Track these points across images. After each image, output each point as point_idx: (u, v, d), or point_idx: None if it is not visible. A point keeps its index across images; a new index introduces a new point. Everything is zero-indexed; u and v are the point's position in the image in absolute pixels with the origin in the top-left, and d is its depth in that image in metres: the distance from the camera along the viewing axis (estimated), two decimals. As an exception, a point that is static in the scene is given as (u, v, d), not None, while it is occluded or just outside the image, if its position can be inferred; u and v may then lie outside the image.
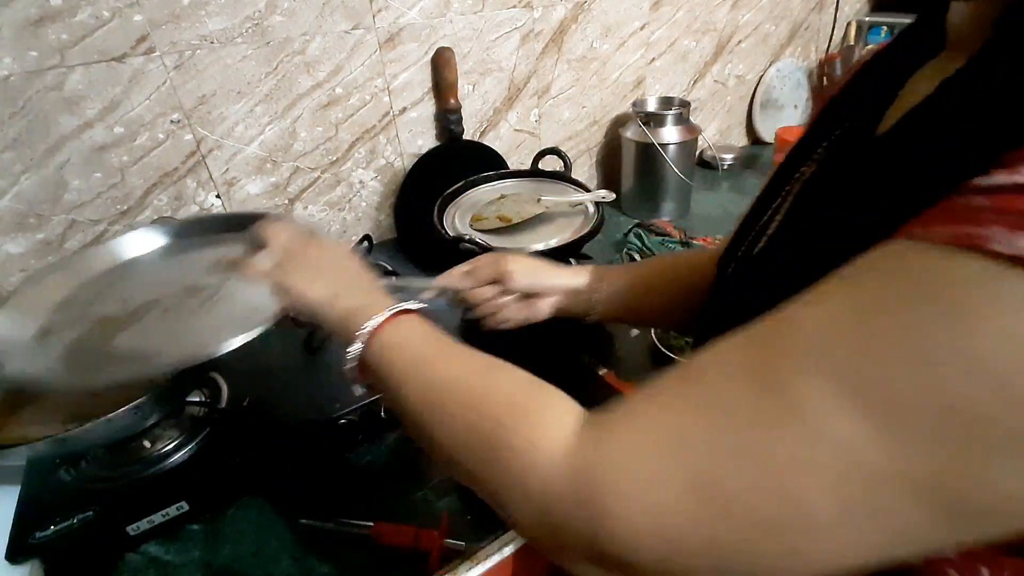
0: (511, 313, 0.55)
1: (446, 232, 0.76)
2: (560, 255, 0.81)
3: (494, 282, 0.56)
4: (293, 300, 0.46)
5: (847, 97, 0.41)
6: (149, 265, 0.62)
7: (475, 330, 0.76)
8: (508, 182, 0.91)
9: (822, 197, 0.35)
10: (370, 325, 0.40)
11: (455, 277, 0.56)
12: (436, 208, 0.80)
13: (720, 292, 0.45)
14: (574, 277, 0.58)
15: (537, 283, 0.56)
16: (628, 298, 0.58)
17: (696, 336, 0.49)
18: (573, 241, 0.76)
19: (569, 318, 0.79)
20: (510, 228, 0.77)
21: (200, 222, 0.68)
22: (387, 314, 0.41)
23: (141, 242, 0.63)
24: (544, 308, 0.56)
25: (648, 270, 0.62)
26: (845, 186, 0.32)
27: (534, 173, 0.92)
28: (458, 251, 0.76)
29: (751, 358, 0.25)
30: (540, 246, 0.75)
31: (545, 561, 0.67)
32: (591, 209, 0.81)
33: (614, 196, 0.81)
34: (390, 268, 0.89)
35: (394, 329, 0.41)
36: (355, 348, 0.40)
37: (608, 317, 0.58)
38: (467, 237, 0.74)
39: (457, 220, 0.81)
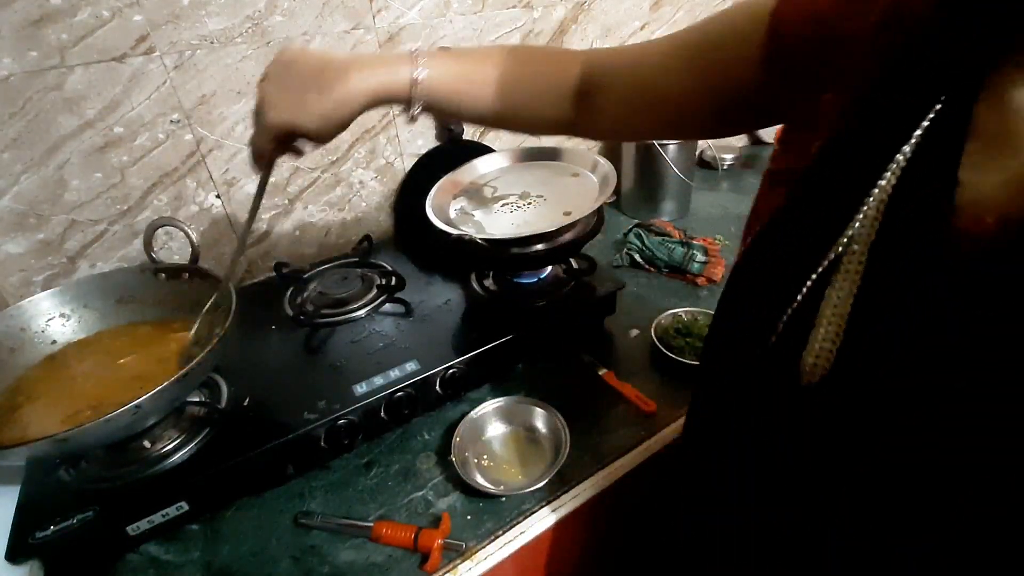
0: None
1: (443, 230, 0.76)
2: (560, 255, 0.81)
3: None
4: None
5: (880, 111, 0.32)
6: None
7: (480, 316, 0.76)
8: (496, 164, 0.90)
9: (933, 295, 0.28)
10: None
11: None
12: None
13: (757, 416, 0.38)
14: (381, 73, 0.52)
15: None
16: (456, 76, 0.52)
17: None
18: (573, 241, 0.76)
19: (561, 313, 0.79)
20: (516, 217, 0.77)
21: None
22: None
23: None
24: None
25: (485, 52, 0.55)
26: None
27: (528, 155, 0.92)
28: (458, 250, 0.77)
29: None
30: (542, 246, 0.75)
31: (545, 561, 0.67)
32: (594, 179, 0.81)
33: (614, 196, 0.81)
34: (390, 268, 0.89)
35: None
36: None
37: (434, 103, 0.52)
38: (467, 236, 0.74)
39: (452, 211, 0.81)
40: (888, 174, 0.30)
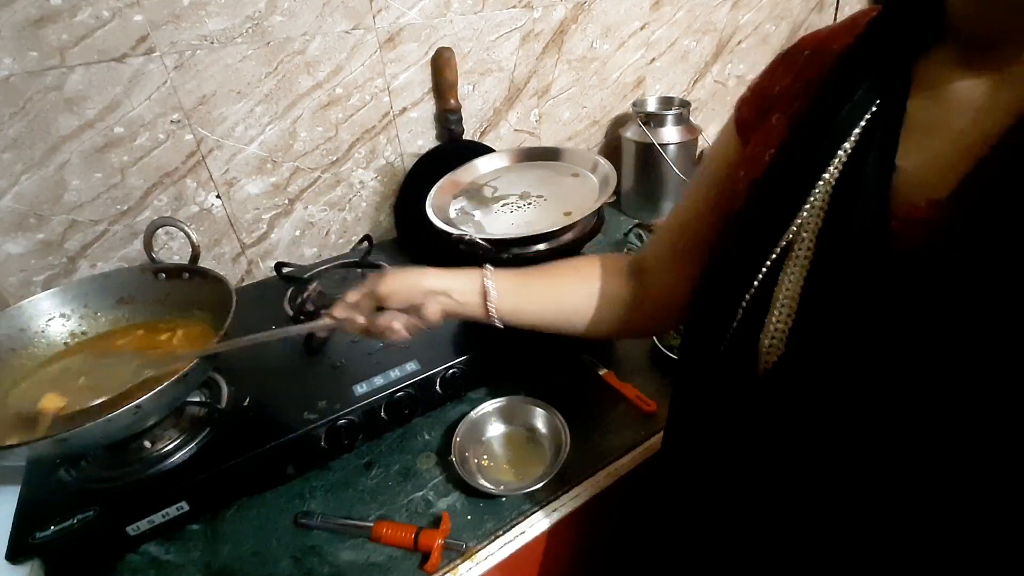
0: (402, 325, 0.53)
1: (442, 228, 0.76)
2: (560, 255, 0.81)
3: (379, 308, 0.54)
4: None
5: (821, 114, 0.35)
6: None
7: (479, 328, 0.76)
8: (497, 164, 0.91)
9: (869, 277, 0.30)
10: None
11: (340, 320, 0.54)
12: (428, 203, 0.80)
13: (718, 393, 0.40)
14: (451, 278, 0.56)
15: (412, 294, 0.53)
16: (518, 297, 0.55)
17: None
18: (573, 241, 0.76)
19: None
20: (516, 216, 0.77)
21: None
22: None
23: None
24: (431, 314, 0.53)
25: (536, 270, 0.60)
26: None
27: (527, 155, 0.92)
28: (458, 250, 0.76)
29: None
30: (542, 246, 0.75)
31: (545, 562, 0.67)
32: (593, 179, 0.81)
33: (614, 196, 0.81)
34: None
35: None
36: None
37: (509, 320, 0.55)
38: (467, 237, 0.74)
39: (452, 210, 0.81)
40: (831, 167, 0.33)
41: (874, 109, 0.33)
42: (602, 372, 0.77)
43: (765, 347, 0.35)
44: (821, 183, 0.34)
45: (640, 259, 0.56)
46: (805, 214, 0.34)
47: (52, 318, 0.68)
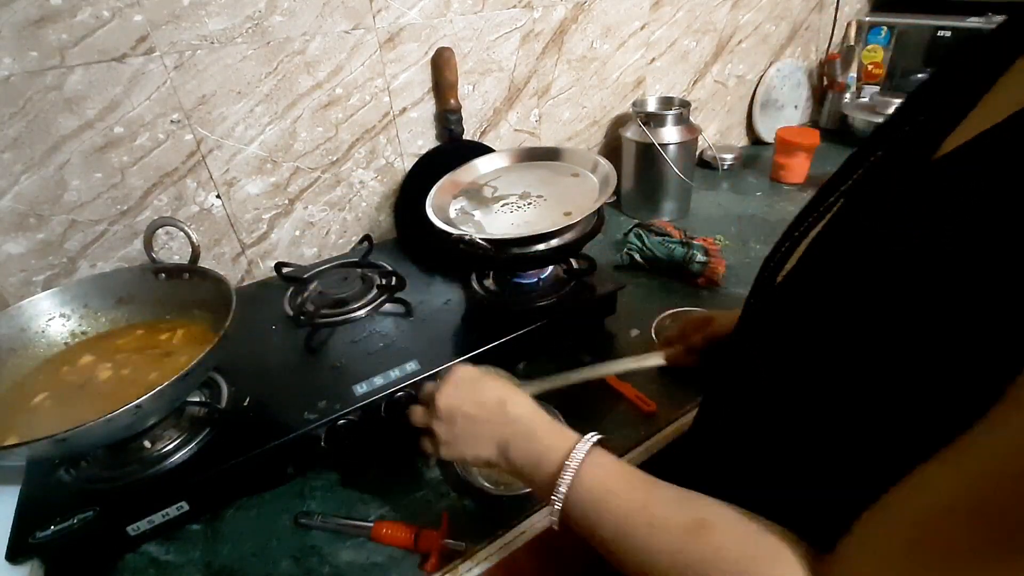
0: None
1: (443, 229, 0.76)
2: (560, 255, 0.81)
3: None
4: (470, 463, 0.53)
5: (901, 114, 0.38)
6: None
7: (480, 316, 0.76)
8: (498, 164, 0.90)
9: (853, 226, 0.33)
10: (563, 485, 0.40)
11: (673, 354, 0.63)
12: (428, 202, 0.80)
13: (744, 323, 0.44)
14: None
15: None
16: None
17: (718, 365, 0.49)
18: (574, 241, 0.76)
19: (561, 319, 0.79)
20: (516, 217, 0.77)
21: None
22: (572, 469, 0.40)
23: None
24: None
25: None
26: (885, 216, 0.30)
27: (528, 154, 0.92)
28: (458, 250, 0.76)
29: (992, 533, 0.23)
30: (542, 246, 0.75)
31: (545, 562, 0.67)
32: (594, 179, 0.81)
33: (615, 196, 0.81)
34: (390, 268, 0.88)
35: (588, 479, 0.40)
36: (556, 511, 0.41)
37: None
38: (467, 237, 0.73)
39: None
40: (881, 150, 0.36)
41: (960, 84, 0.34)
42: (602, 372, 0.77)
43: (779, 280, 0.39)
44: (871, 159, 0.37)
45: None
46: (846, 186, 0.38)
47: (52, 318, 0.68)
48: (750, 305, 0.44)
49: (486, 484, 0.62)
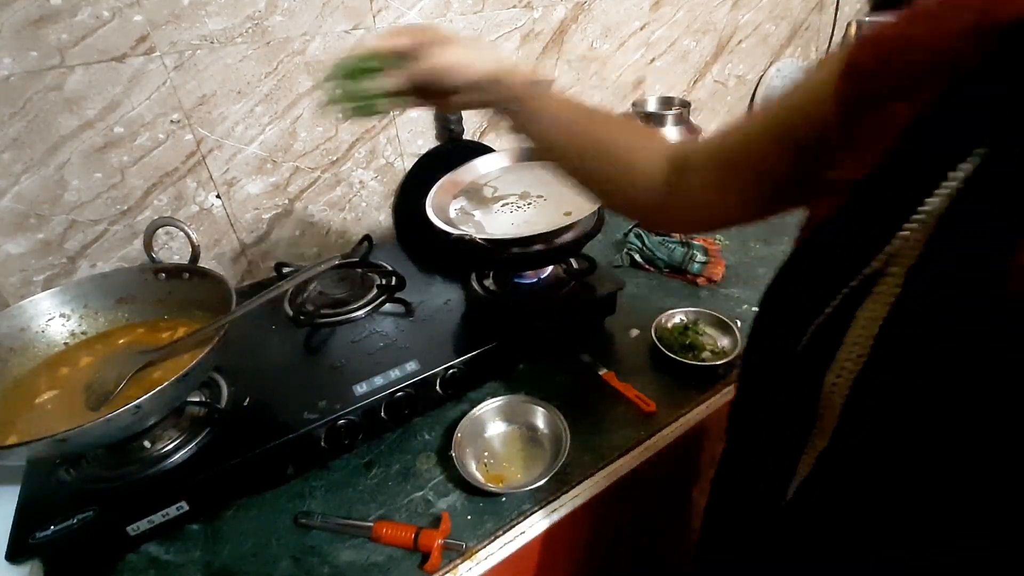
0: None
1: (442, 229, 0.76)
2: (560, 255, 0.81)
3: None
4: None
5: (953, 119, 0.29)
6: None
7: (480, 316, 0.76)
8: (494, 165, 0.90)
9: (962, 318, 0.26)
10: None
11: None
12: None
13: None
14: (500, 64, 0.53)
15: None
16: (554, 126, 0.53)
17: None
18: (574, 241, 0.76)
19: (566, 313, 0.79)
20: (516, 217, 0.77)
21: None
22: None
23: None
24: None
25: (587, 112, 0.55)
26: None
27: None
28: (458, 250, 0.77)
29: None
30: (542, 246, 0.75)
31: (545, 561, 0.67)
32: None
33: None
34: (390, 268, 0.89)
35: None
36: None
37: (544, 133, 0.53)
38: (467, 237, 0.74)
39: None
40: (936, 198, 0.28)
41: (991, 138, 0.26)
42: (602, 372, 0.77)
43: (829, 384, 0.32)
44: (927, 207, 0.28)
45: (685, 153, 0.52)
46: (899, 242, 0.29)
47: (52, 318, 0.68)
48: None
49: (486, 484, 0.62)
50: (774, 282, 0.38)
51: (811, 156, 0.40)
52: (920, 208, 0.28)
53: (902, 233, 0.29)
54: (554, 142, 0.54)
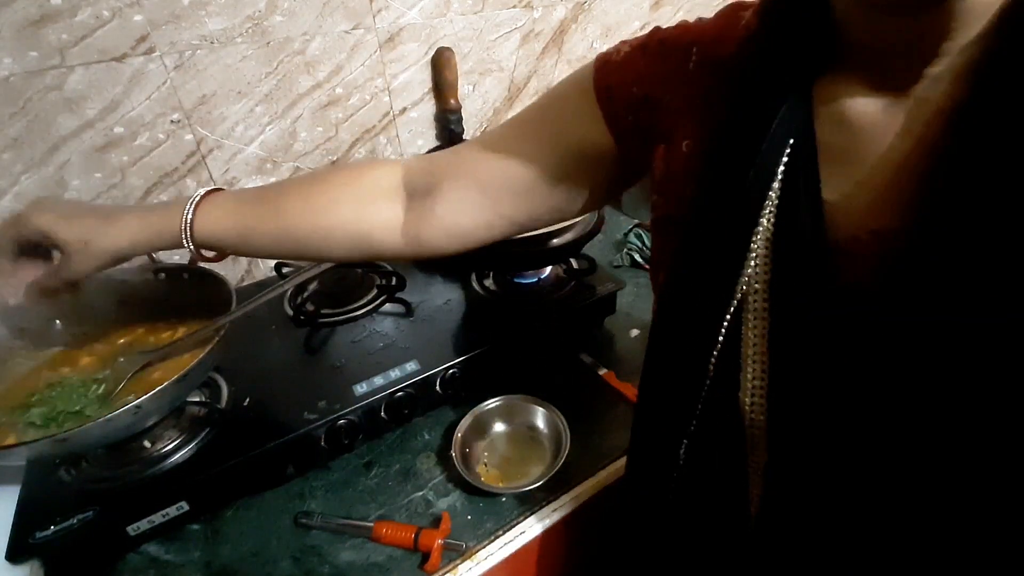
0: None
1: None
2: (560, 255, 0.81)
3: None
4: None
5: (740, 152, 0.32)
6: None
7: (480, 316, 0.76)
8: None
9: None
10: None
11: None
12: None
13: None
14: (141, 229, 0.52)
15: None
16: (236, 212, 0.49)
17: None
18: (573, 241, 0.76)
19: (557, 315, 0.79)
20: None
21: None
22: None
23: None
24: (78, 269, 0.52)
25: (276, 184, 0.53)
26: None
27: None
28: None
29: None
30: (542, 246, 0.75)
31: (546, 562, 0.67)
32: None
33: (614, 196, 0.81)
34: (390, 268, 0.89)
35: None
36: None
37: (209, 242, 0.49)
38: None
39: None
40: (766, 213, 0.31)
41: (792, 142, 0.31)
42: (602, 372, 0.77)
43: (747, 404, 0.34)
44: (760, 230, 0.31)
45: (429, 181, 0.48)
46: (751, 266, 0.32)
47: (52, 318, 0.68)
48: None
49: (486, 484, 0.62)
50: (656, 327, 0.42)
51: (585, 167, 0.46)
52: (756, 228, 0.31)
53: (752, 255, 0.32)
54: (253, 243, 0.49)
